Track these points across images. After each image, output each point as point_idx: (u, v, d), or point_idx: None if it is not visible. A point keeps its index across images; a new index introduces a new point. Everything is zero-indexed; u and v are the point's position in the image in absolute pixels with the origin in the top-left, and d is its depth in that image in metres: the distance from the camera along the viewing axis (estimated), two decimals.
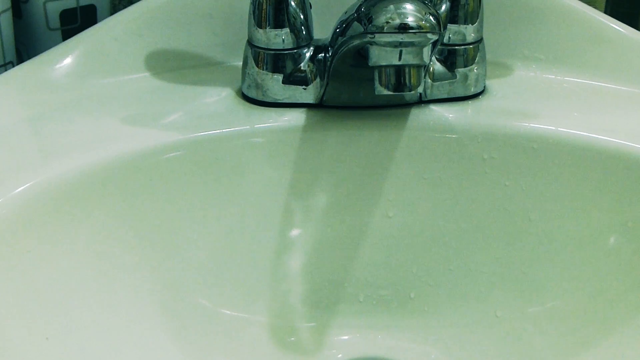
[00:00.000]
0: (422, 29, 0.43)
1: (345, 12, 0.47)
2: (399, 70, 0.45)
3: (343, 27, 0.47)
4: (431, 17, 0.43)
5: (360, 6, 0.45)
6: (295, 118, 0.49)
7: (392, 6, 0.43)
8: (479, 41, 0.51)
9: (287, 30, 0.49)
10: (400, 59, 0.44)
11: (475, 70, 0.51)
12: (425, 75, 0.49)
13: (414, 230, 0.51)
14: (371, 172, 0.50)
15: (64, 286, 0.43)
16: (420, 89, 0.46)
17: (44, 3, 0.60)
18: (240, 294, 0.50)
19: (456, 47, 0.51)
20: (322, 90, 0.50)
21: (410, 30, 0.43)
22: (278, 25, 0.49)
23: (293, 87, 0.50)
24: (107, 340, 0.43)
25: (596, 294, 0.48)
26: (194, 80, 0.54)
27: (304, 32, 0.50)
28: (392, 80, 0.45)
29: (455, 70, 0.51)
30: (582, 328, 0.48)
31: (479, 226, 0.50)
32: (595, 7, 0.58)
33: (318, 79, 0.50)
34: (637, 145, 0.47)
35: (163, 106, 0.51)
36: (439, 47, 0.51)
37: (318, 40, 0.51)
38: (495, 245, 0.50)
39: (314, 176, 0.50)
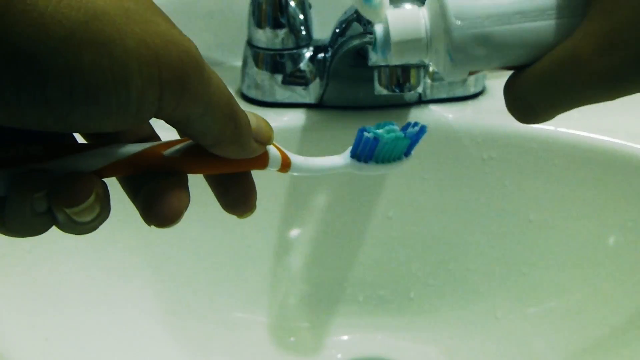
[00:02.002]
0: None
1: (345, 12, 0.47)
2: (399, 70, 0.45)
3: (343, 27, 0.47)
4: None
5: None
6: (295, 118, 0.49)
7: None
8: None
9: (286, 30, 0.49)
10: None
11: None
12: (424, 75, 0.49)
13: (414, 230, 0.51)
14: None
15: (64, 286, 0.43)
16: (419, 89, 0.46)
17: None
18: (240, 294, 0.50)
19: None
20: (322, 90, 0.50)
21: None
22: (278, 25, 0.49)
23: (293, 87, 0.50)
24: (107, 340, 0.44)
25: (596, 294, 0.48)
26: None
27: (303, 32, 0.50)
28: (392, 80, 0.45)
29: None
30: (581, 328, 0.48)
31: (478, 226, 0.50)
32: None
33: (318, 79, 0.50)
34: (637, 145, 0.47)
35: None
36: None
37: (318, 40, 0.51)
38: (495, 245, 0.50)
39: (314, 176, 0.50)
